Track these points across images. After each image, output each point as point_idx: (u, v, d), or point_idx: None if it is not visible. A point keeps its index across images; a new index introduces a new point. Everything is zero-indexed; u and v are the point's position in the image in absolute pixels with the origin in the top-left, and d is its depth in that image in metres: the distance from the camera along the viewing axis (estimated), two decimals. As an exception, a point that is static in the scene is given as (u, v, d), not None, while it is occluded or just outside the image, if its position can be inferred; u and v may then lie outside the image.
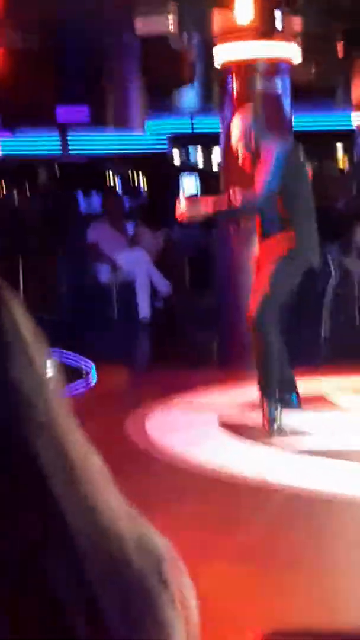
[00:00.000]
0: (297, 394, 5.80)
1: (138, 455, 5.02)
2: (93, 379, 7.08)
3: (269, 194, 5.43)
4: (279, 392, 5.67)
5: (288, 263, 5.50)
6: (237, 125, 5.68)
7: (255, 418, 5.68)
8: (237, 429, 5.49)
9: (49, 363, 0.78)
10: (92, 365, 7.41)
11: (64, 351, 7.77)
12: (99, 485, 0.74)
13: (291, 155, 5.83)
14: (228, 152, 8.77)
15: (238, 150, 5.67)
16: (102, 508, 0.73)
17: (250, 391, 6.29)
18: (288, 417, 5.61)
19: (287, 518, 4.03)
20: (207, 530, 3.86)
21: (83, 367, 7.40)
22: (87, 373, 7.21)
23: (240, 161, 5.70)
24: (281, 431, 5.40)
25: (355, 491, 4.35)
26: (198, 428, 5.60)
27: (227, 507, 4.20)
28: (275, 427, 5.42)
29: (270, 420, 5.44)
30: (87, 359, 7.57)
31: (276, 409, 5.49)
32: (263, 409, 5.52)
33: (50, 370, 0.77)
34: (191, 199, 5.67)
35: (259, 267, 5.66)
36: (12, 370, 0.71)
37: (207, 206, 5.57)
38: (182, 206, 5.46)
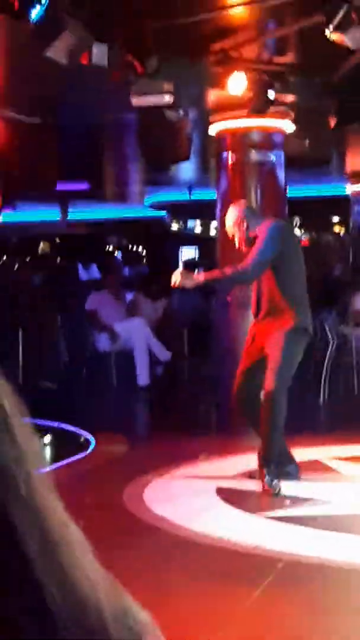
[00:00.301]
0: (296, 464, 5.86)
1: (135, 525, 5.03)
2: (91, 447, 7.10)
3: (262, 262, 5.58)
4: (279, 464, 5.73)
5: (294, 337, 5.66)
6: (231, 215, 5.94)
7: (254, 487, 5.71)
8: (235, 499, 5.51)
9: (32, 435, 0.76)
10: (91, 433, 7.43)
11: (63, 420, 7.82)
12: (78, 557, 0.73)
13: (285, 230, 6.03)
14: (224, 221, 8.95)
15: (234, 237, 5.91)
16: (81, 579, 0.71)
17: (249, 460, 6.33)
18: (287, 487, 5.64)
19: (286, 586, 4.03)
20: (204, 600, 3.87)
21: (81, 435, 7.43)
22: (86, 442, 7.24)
23: (237, 245, 5.91)
24: (281, 500, 5.42)
25: (350, 558, 4.35)
26: (196, 497, 5.62)
27: (225, 577, 4.20)
28: (275, 496, 5.46)
29: (270, 490, 5.49)
30: (85, 428, 7.60)
31: (276, 478, 5.54)
32: (262, 479, 5.56)
33: (33, 443, 0.76)
34: (185, 271, 5.87)
35: (258, 343, 5.77)
36: None
37: (199, 277, 5.77)
38: (176, 276, 5.64)
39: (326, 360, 9.48)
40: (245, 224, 5.84)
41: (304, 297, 5.80)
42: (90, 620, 0.69)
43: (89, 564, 0.74)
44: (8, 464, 0.71)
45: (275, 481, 5.54)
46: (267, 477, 5.55)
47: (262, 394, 5.60)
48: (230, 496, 5.55)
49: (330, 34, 5.82)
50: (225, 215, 8.87)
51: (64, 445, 7.26)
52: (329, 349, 9.52)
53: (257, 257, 5.61)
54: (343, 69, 7.66)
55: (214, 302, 10.97)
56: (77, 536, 0.76)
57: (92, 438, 7.33)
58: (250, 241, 5.78)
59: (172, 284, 5.74)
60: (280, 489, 5.52)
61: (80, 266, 17.01)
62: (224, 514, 5.24)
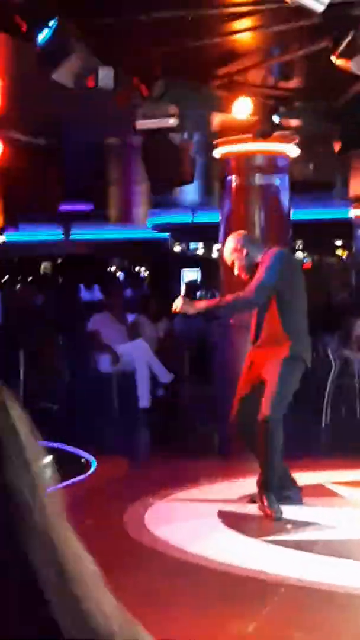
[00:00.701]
0: (298, 488, 5.84)
1: (136, 548, 5.01)
2: (92, 469, 7.08)
3: (265, 288, 5.59)
4: (281, 488, 5.72)
5: (291, 365, 5.68)
6: (229, 244, 5.97)
7: (255, 511, 5.69)
8: (237, 522, 5.49)
9: (46, 464, 0.78)
10: (92, 455, 7.42)
11: (64, 441, 7.81)
12: (91, 587, 0.74)
13: (289, 259, 6.05)
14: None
15: (233, 265, 5.91)
16: (94, 610, 0.72)
17: (250, 483, 6.31)
18: (289, 511, 5.62)
19: (288, 611, 4.01)
20: (206, 625, 3.85)
21: (82, 457, 7.41)
22: (87, 463, 7.22)
23: (236, 273, 5.93)
24: (282, 525, 5.40)
25: (352, 582, 4.33)
26: (197, 521, 5.60)
27: (227, 601, 4.18)
28: (276, 521, 5.45)
29: (271, 514, 5.47)
30: (86, 449, 7.59)
31: (276, 503, 5.53)
32: (263, 504, 5.55)
33: (47, 471, 0.78)
34: (187, 297, 5.91)
35: (256, 370, 5.78)
36: (7, 473, 0.71)
37: (200, 304, 5.79)
38: (177, 302, 5.66)
39: (328, 384, 9.47)
40: (245, 251, 5.85)
41: (303, 326, 5.81)
42: None
43: (102, 595, 0.75)
44: (23, 495, 0.72)
45: (276, 505, 5.53)
46: (267, 501, 5.54)
47: (259, 421, 5.59)
48: (231, 520, 5.53)
49: (336, 59, 5.86)
50: (227, 235, 8.93)
51: (65, 467, 7.24)
52: (332, 373, 9.51)
53: (260, 283, 5.63)
54: (348, 94, 7.71)
55: (215, 324, 10.98)
56: (91, 568, 0.77)
57: (93, 460, 7.31)
58: (252, 269, 5.79)
59: (173, 310, 5.77)
60: (281, 514, 5.50)
61: (82, 287, 17.04)
62: (225, 537, 5.22)
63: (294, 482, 5.86)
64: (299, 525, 5.43)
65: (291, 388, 5.71)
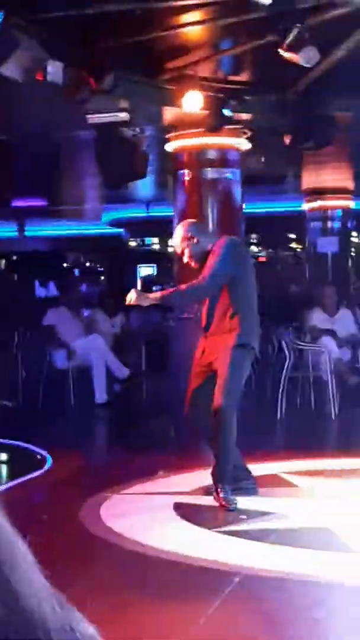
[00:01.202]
0: (253, 479, 5.88)
1: (92, 542, 5.00)
2: (48, 465, 7.06)
3: (218, 275, 5.60)
4: (236, 479, 5.76)
5: (241, 353, 5.67)
6: (177, 232, 5.92)
7: (211, 503, 5.72)
8: (192, 514, 5.51)
9: None
10: (48, 451, 7.40)
11: (20, 438, 7.78)
12: (24, 572, 0.73)
13: (240, 247, 6.05)
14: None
15: (183, 253, 5.86)
16: (27, 594, 0.72)
17: (205, 475, 6.34)
18: (244, 501, 5.66)
19: (242, 600, 4.04)
20: (161, 615, 3.87)
21: (38, 453, 7.39)
22: (43, 459, 7.20)
23: (186, 261, 5.89)
24: (237, 515, 5.44)
25: (306, 570, 4.38)
26: (153, 513, 5.61)
27: (182, 592, 4.21)
28: (231, 511, 5.48)
29: (226, 505, 5.50)
30: (42, 445, 7.57)
31: (231, 493, 5.56)
32: (218, 495, 5.57)
33: None
34: (140, 289, 5.91)
35: (207, 358, 5.78)
36: None
37: (155, 295, 5.80)
38: (131, 295, 5.66)
39: (283, 376, 9.54)
40: (195, 239, 5.82)
41: (254, 315, 5.81)
42: (36, 634, 0.69)
43: (35, 579, 0.75)
44: None
45: (230, 496, 5.56)
46: (222, 492, 5.57)
47: (212, 411, 5.61)
48: (186, 512, 5.55)
49: (284, 52, 5.91)
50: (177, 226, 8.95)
51: (21, 463, 7.22)
52: (286, 365, 9.59)
53: (213, 271, 5.62)
54: (297, 87, 7.77)
55: (170, 317, 11.00)
56: (23, 551, 0.76)
57: (49, 456, 7.29)
58: (203, 257, 5.77)
59: (127, 302, 5.76)
60: (236, 504, 5.54)
61: (37, 283, 16.96)
62: (180, 529, 5.24)
63: (248, 472, 5.90)
64: (253, 515, 5.46)
65: (242, 376, 5.71)
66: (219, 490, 5.58)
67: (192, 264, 5.85)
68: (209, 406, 5.64)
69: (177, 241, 5.94)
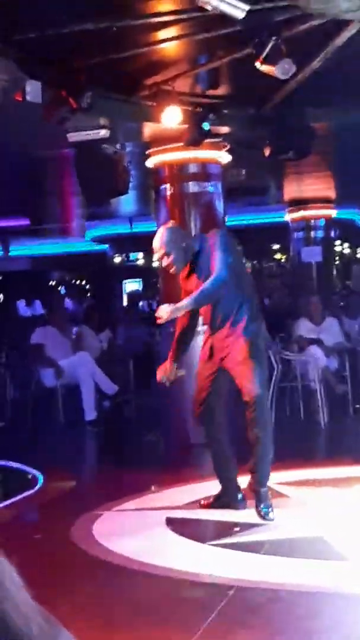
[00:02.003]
0: (242, 495, 5.87)
1: (84, 560, 4.99)
2: (39, 484, 7.04)
3: (228, 264, 5.54)
4: (225, 495, 5.76)
5: (255, 342, 5.62)
6: (159, 237, 5.78)
7: (203, 516, 5.73)
8: (184, 528, 5.51)
9: None
10: (39, 470, 7.38)
11: (10, 457, 7.76)
12: (8, 589, 0.75)
13: (232, 237, 5.96)
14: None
15: (163, 258, 5.75)
16: (12, 612, 0.73)
17: (198, 489, 6.35)
18: (236, 514, 5.67)
19: (237, 612, 4.04)
20: (156, 631, 3.86)
21: (29, 473, 7.37)
22: (34, 479, 7.18)
23: (166, 267, 5.79)
24: (230, 528, 5.44)
25: (301, 580, 4.38)
26: (145, 529, 5.60)
27: (176, 606, 4.20)
28: (270, 514, 5.52)
29: (261, 514, 5.53)
30: (33, 464, 7.55)
31: (270, 504, 5.59)
32: (258, 499, 5.58)
33: None
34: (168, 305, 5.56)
35: (218, 356, 5.70)
36: None
37: (183, 304, 5.54)
38: (161, 312, 5.47)
39: (271, 387, 9.54)
40: (184, 244, 5.71)
41: (255, 303, 5.78)
42: None
43: (22, 600, 0.76)
44: None
45: (270, 507, 5.56)
46: (262, 504, 5.57)
47: (247, 403, 5.53)
48: (179, 526, 5.55)
49: (260, 65, 5.95)
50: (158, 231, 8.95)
51: (12, 483, 7.20)
52: (274, 376, 9.60)
53: (224, 262, 5.52)
54: (275, 100, 7.81)
55: (158, 332, 11.01)
56: (10, 572, 0.78)
57: (40, 475, 7.27)
58: (193, 257, 5.69)
59: (160, 320, 5.55)
60: (270, 513, 5.54)
61: (23, 302, 16.95)
62: (173, 544, 5.23)
63: (238, 488, 5.88)
64: (246, 527, 5.47)
65: (264, 364, 5.70)
66: (260, 492, 5.58)
67: (173, 269, 5.73)
68: (221, 408, 5.64)
69: (161, 245, 5.72)
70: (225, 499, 5.86)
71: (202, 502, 5.97)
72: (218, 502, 5.89)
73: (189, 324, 5.85)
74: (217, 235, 5.74)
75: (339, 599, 4.19)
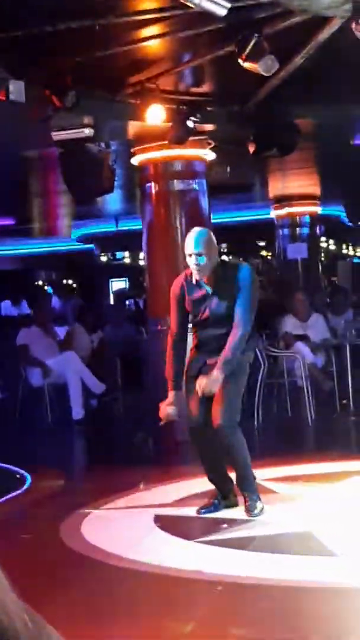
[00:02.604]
0: (219, 500, 5.84)
1: (72, 558, 4.99)
2: (27, 484, 7.04)
3: (254, 310, 5.53)
4: (219, 496, 5.78)
5: (242, 367, 5.62)
6: (200, 236, 5.52)
7: (191, 513, 5.73)
8: (172, 526, 5.51)
9: None
10: (26, 470, 7.37)
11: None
12: None
13: (255, 275, 5.87)
14: (151, 250, 9.03)
15: (199, 262, 5.47)
16: None
17: (185, 486, 6.36)
18: (224, 511, 5.68)
19: (226, 609, 4.05)
20: (145, 628, 3.87)
21: (17, 472, 7.36)
22: (22, 478, 7.17)
23: (197, 270, 5.50)
24: (218, 524, 5.44)
25: (289, 576, 4.39)
26: (134, 527, 5.61)
27: (165, 604, 4.20)
28: (258, 513, 5.53)
29: (253, 512, 5.53)
30: (21, 464, 7.53)
31: (259, 499, 5.60)
32: (245, 505, 5.59)
33: None
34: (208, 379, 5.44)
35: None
36: None
37: (220, 374, 5.40)
38: (202, 385, 5.41)
39: (258, 383, 9.57)
40: (214, 253, 5.55)
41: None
42: None
43: (7, 597, 0.76)
44: None
45: (258, 503, 5.58)
46: (249, 499, 5.59)
47: (213, 426, 5.51)
48: (167, 524, 5.55)
49: (243, 62, 5.96)
50: (152, 244, 8.96)
51: (0, 483, 7.18)
52: (261, 372, 9.62)
53: (251, 309, 5.47)
54: (258, 97, 7.82)
55: (144, 332, 11.01)
56: None
57: (28, 474, 7.26)
58: (217, 279, 5.52)
59: (201, 394, 5.44)
60: (262, 509, 5.56)
61: (9, 302, 16.90)
62: (161, 541, 5.23)
63: (232, 482, 5.87)
64: (234, 523, 5.48)
65: (242, 389, 5.69)
66: (246, 499, 5.61)
67: (197, 274, 5.50)
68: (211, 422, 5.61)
69: (203, 245, 5.49)
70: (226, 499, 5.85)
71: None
72: (222, 504, 5.83)
73: (179, 334, 5.74)
74: (250, 275, 5.57)
75: (327, 594, 4.20)
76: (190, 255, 5.49)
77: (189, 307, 5.63)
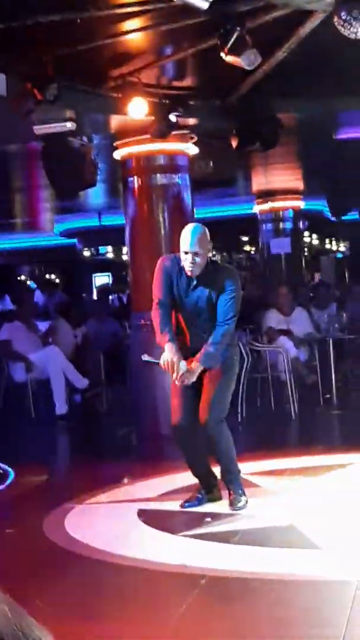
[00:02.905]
0: (203, 495, 5.84)
1: (56, 553, 4.98)
2: (10, 479, 7.02)
3: (237, 314, 5.51)
4: (203, 490, 5.78)
5: (231, 363, 5.64)
6: (196, 234, 5.45)
7: (175, 507, 5.74)
8: (156, 520, 5.51)
9: None
10: (10, 465, 7.35)
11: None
12: None
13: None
14: (134, 244, 9.01)
15: (194, 259, 5.42)
16: None
17: (168, 481, 6.36)
18: (208, 505, 5.68)
19: (209, 602, 4.05)
20: (129, 622, 3.86)
21: (0, 467, 7.34)
22: (4, 473, 7.15)
23: (191, 272, 5.45)
24: (202, 518, 5.44)
25: (272, 569, 4.40)
26: (117, 521, 5.60)
27: (149, 597, 4.20)
28: (242, 506, 5.53)
29: (237, 506, 5.53)
30: (4, 459, 7.51)
31: (244, 498, 5.60)
32: (230, 497, 5.60)
33: None
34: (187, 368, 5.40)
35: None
36: None
37: (198, 366, 5.40)
38: (179, 374, 5.40)
39: (242, 378, 9.57)
40: (209, 251, 5.54)
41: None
42: None
43: None
44: None
45: (242, 497, 5.59)
46: (235, 493, 5.59)
47: (200, 422, 5.51)
48: (151, 518, 5.55)
49: (226, 56, 5.94)
50: (135, 238, 8.94)
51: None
52: (244, 367, 9.62)
53: (234, 312, 5.45)
54: (240, 90, 7.82)
55: (127, 327, 11.00)
56: None
57: (11, 469, 7.24)
58: (206, 278, 5.48)
59: (178, 382, 5.44)
60: (245, 503, 5.57)
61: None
62: (145, 535, 5.23)
63: (203, 487, 5.87)
64: (218, 517, 5.48)
65: (232, 385, 5.71)
66: (231, 493, 5.61)
67: (193, 273, 5.46)
68: (197, 420, 5.60)
69: (198, 248, 5.42)
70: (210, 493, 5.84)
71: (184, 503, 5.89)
72: (205, 498, 5.82)
73: (164, 300, 5.59)
74: (236, 279, 5.58)
75: (310, 587, 4.21)
76: (186, 252, 5.44)
77: (175, 291, 5.58)
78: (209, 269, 5.52)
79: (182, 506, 5.75)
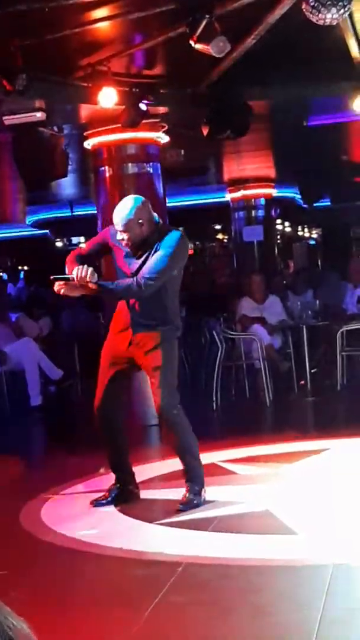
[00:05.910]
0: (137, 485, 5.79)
1: (33, 544, 4.97)
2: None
3: (164, 278, 5.25)
4: (125, 484, 5.70)
5: (171, 344, 5.45)
6: (130, 211, 5.29)
7: (151, 496, 5.75)
8: (132, 509, 5.52)
9: None
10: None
11: None
12: None
13: (186, 242, 5.52)
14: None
15: (125, 232, 5.29)
16: None
17: (144, 471, 6.36)
18: (181, 493, 5.69)
19: (186, 589, 4.06)
20: (106, 611, 3.87)
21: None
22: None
23: (125, 243, 5.34)
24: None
25: (248, 555, 4.43)
26: (94, 511, 5.60)
27: (126, 586, 4.21)
28: (202, 497, 5.43)
29: (186, 505, 5.40)
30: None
31: (199, 494, 5.47)
32: (185, 494, 5.46)
33: None
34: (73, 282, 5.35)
35: (131, 353, 5.48)
36: None
37: (90, 286, 5.20)
38: (59, 285, 5.32)
39: (216, 366, 9.61)
40: (143, 225, 5.29)
41: (177, 303, 5.57)
42: None
43: None
44: None
45: (196, 496, 5.44)
46: (194, 483, 5.46)
47: (156, 411, 5.46)
48: (127, 507, 5.56)
49: (195, 44, 5.94)
50: (105, 226, 8.90)
51: None
52: (218, 355, 9.65)
53: (163, 267, 5.19)
54: (210, 78, 7.81)
55: (101, 317, 10.97)
56: None
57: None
58: (141, 241, 5.34)
59: (57, 291, 5.37)
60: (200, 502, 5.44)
61: None
62: (121, 524, 5.24)
63: (117, 481, 5.78)
64: (194, 505, 5.48)
65: (175, 366, 5.51)
66: (187, 491, 5.46)
67: (127, 247, 5.33)
68: (118, 409, 5.56)
69: (122, 226, 5.28)
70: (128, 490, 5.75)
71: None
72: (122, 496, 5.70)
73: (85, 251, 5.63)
74: (177, 238, 5.30)
75: (287, 572, 4.24)
76: (117, 231, 5.34)
77: (115, 259, 5.49)
78: (153, 238, 5.30)
79: (92, 504, 5.66)
